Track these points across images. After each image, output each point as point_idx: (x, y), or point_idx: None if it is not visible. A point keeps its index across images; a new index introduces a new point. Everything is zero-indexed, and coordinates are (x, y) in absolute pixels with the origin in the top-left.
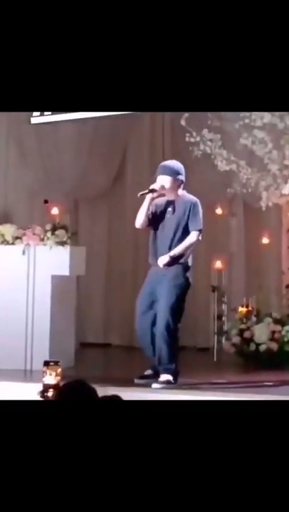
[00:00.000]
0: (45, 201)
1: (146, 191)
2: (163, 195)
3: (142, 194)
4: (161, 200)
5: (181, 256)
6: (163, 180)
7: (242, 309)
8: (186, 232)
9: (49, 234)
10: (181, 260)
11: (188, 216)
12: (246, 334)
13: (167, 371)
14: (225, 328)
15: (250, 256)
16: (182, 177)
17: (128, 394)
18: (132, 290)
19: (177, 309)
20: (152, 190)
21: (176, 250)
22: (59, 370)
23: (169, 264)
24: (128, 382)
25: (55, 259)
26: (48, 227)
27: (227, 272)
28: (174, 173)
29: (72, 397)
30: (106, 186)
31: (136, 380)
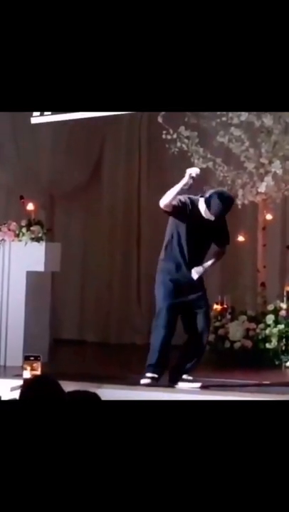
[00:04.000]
0: (21, 197)
1: None
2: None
3: None
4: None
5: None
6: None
7: (217, 307)
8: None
9: (24, 230)
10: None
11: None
12: (221, 332)
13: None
14: None
15: (225, 254)
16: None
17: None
18: (107, 286)
19: None
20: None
21: (209, 264)
22: (34, 364)
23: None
24: (105, 379)
25: (30, 255)
26: (24, 223)
27: None
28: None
29: (33, 394)
30: (82, 182)
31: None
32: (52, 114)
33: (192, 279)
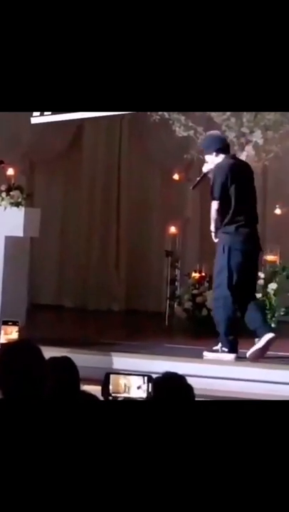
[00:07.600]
0: (1, 162)
1: (199, 179)
2: None
3: (195, 186)
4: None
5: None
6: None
7: (195, 275)
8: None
9: (4, 195)
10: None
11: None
12: (198, 299)
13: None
14: (177, 293)
15: (204, 222)
16: (216, 146)
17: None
18: (85, 253)
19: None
20: (205, 175)
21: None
22: (9, 329)
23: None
24: (81, 345)
25: (9, 220)
26: (3, 187)
27: (181, 237)
28: (207, 147)
29: (14, 357)
30: (62, 149)
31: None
32: (52, 114)
33: None
